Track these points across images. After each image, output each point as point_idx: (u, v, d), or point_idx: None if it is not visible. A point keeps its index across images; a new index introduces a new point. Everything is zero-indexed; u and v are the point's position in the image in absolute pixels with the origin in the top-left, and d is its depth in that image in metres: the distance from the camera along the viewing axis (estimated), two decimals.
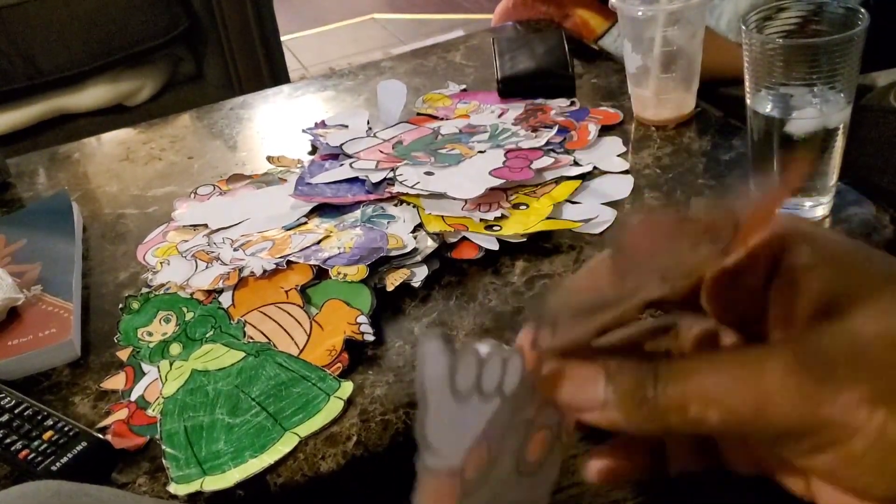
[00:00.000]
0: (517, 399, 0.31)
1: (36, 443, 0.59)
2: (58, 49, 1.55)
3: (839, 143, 0.68)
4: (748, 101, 0.69)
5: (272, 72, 1.73)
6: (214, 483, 0.56)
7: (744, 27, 0.66)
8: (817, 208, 0.71)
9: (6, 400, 0.63)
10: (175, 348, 0.67)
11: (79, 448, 0.58)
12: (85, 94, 1.60)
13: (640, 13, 0.82)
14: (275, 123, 1.03)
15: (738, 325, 0.32)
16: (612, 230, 0.23)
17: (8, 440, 0.59)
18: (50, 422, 0.60)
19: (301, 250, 0.74)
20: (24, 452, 0.58)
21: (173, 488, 0.56)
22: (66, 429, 0.59)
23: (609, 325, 0.32)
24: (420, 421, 0.29)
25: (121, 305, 0.73)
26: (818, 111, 0.66)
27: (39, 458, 0.57)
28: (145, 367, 0.67)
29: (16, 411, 0.62)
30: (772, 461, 0.31)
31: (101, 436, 0.59)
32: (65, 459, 0.57)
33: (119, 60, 1.60)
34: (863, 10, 0.65)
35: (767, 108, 0.68)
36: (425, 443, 0.29)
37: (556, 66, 0.97)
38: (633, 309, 0.30)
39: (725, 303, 0.31)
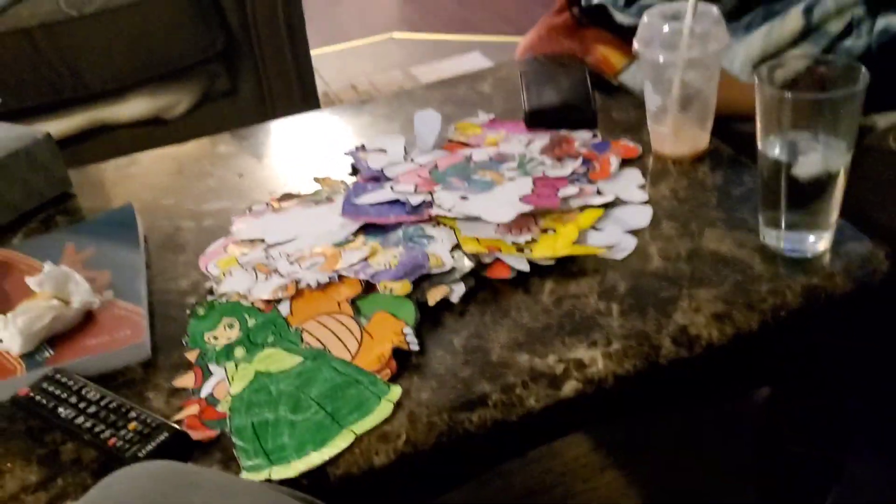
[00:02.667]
0: None
1: (122, 432, 0.66)
2: (103, 63, 1.63)
3: (840, 183, 0.76)
4: (758, 144, 0.77)
5: (303, 90, 1.81)
6: (281, 472, 0.64)
7: (756, 78, 0.74)
8: (819, 243, 0.79)
9: (92, 393, 0.70)
10: (239, 351, 0.75)
11: (161, 438, 0.65)
12: (126, 107, 1.69)
13: (661, 59, 0.89)
14: (316, 145, 1.11)
15: None
16: None
17: (97, 429, 0.67)
18: (133, 414, 0.68)
19: (351, 266, 0.81)
20: (112, 440, 0.66)
21: (245, 476, 0.64)
22: (148, 420, 0.67)
23: None
24: None
25: (188, 311, 0.81)
26: (822, 156, 0.74)
27: (127, 446, 0.65)
28: (212, 367, 0.74)
29: (101, 404, 0.69)
30: None
31: (179, 427, 0.67)
32: (149, 447, 0.65)
33: (159, 76, 1.69)
34: (864, 67, 0.73)
35: (776, 151, 0.75)
36: None
37: (580, 100, 1.05)
38: None
39: None
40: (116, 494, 0.49)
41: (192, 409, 0.70)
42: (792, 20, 1.01)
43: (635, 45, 0.92)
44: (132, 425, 0.67)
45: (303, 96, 1.81)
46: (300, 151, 1.11)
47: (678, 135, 0.94)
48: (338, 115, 1.20)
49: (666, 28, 0.89)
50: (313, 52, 1.85)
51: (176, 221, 0.97)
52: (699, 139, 0.95)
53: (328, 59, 2.65)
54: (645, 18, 0.91)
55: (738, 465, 1.13)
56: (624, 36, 1.17)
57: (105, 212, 0.99)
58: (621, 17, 1.17)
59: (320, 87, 2.03)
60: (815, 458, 0.94)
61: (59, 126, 1.62)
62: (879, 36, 0.97)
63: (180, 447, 0.66)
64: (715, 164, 0.94)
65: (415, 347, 0.73)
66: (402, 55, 2.68)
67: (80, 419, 0.68)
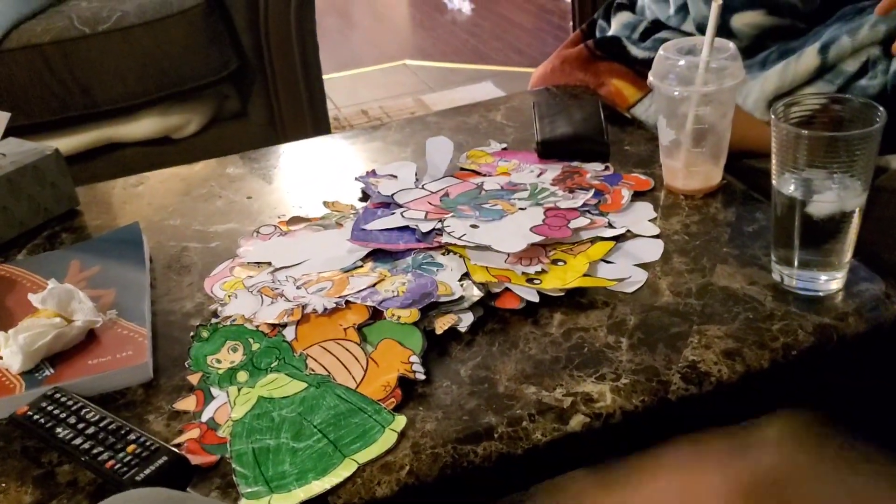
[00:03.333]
0: None
1: (121, 454, 0.65)
2: (114, 82, 1.64)
3: (855, 223, 0.75)
4: (773, 182, 0.76)
5: (313, 114, 1.81)
6: (281, 501, 0.62)
7: (772, 115, 0.74)
8: (832, 282, 0.78)
9: (91, 414, 0.69)
10: (242, 376, 0.74)
11: (160, 462, 0.64)
12: (135, 126, 1.69)
13: (676, 93, 0.89)
14: (327, 170, 1.11)
15: None
16: None
17: (95, 451, 0.66)
18: (133, 436, 0.67)
19: (358, 292, 0.80)
20: (110, 462, 0.64)
21: (244, 503, 0.63)
22: (147, 443, 0.66)
23: None
24: None
25: (192, 333, 0.80)
26: (837, 195, 0.73)
27: (124, 469, 0.64)
28: (214, 391, 0.73)
29: (100, 425, 0.68)
30: None
31: (179, 451, 0.66)
32: (148, 471, 0.63)
33: (170, 95, 1.69)
34: (881, 108, 0.72)
35: (790, 188, 0.75)
36: None
37: (592, 132, 1.05)
38: None
39: None
40: None
41: (193, 433, 0.69)
42: (808, 58, 1.00)
43: (650, 78, 0.91)
44: (131, 448, 0.65)
45: (313, 120, 1.81)
46: (310, 175, 1.10)
47: (691, 169, 0.93)
48: (349, 139, 1.20)
49: (682, 62, 0.89)
50: (325, 77, 1.86)
51: (182, 242, 0.96)
52: (712, 174, 0.94)
53: (340, 83, 2.66)
54: (661, 52, 0.90)
55: None
56: (637, 69, 1.17)
57: (111, 230, 0.98)
58: (636, 51, 1.17)
59: (330, 111, 2.04)
60: None
61: (68, 143, 1.63)
62: (895, 76, 0.97)
63: (179, 472, 0.64)
64: (727, 200, 0.93)
65: (421, 376, 0.72)
66: (414, 82, 2.70)
67: (79, 440, 0.67)
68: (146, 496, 0.51)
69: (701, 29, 1.09)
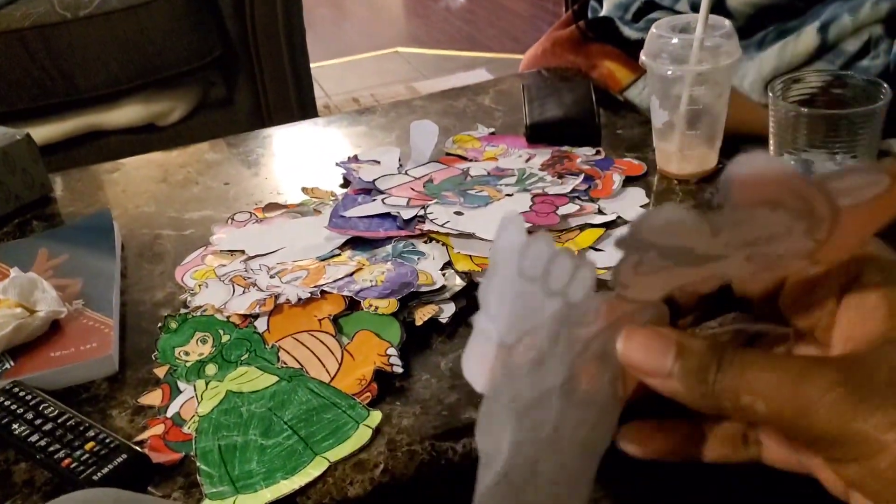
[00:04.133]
0: (579, 309, 0.32)
1: (78, 452, 0.61)
2: (96, 68, 1.59)
3: None
4: None
5: (300, 101, 1.77)
6: (247, 501, 0.59)
7: (770, 94, 0.70)
8: None
9: (49, 409, 0.65)
10: (211, 369, 0.70)
11: (119, 460, 0.60)
12: (119, 113, 1.65)
13: (669, 72, 0.85)
14: (308, 155, 1.07)
15: (811, 331, 0.35)
16: (727, 172, 0.24)
17: (51, 448, 0.62)
18: (91, 433, 0.63)
19: (334, 281, 0.77)
20: (66, 461, 0.61)
21: None
22: (107, 440, 0.62)
23: (686, 288, 0.35)
24: (484, 284, 0.32)
25: (160, 324, 0.76)
26: None
27: (81, 468, 0.60)
28: (181, 385, 0.69)
29: (59, 421, 0.64)
30: (812, 461, 0.34)
31: (140, 449, 0.62)
32: (105, 470, 0.60)
33: (154, 82, 1.65)
34: (885, 84, 0.68)
35: None
36: (484, 303, 0.32)
37: (583, 115, 1.01)
38: (712, 280, 0.33)
39: (802, 308, 0.35)
40: None
41: (157, 429, 0.65)
42: (807, 38, 0.96)
43: (642, 57, 0.88)
44: (89, 445, 0.62)
45: (301, 107, 1.77)
46: (291, 161, 1.07)
47: (685, 153, 0.89)
48: (333, 124, 1.16)
49: (675, 40, 0.85)
50: (316, 65, 1.82)
51: (156, 230, 0.93)
52: (707, 158, 0.90)
53: (330, 71, 2.62)
54: (653, 30, 0.86)
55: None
56: (630, 51, 1.13)
57: (81, 217, 0.95)
58: (629, 32, 1.13)
59: (321, 98, 2.00)
60: None
61: (49, 131, 1.58)
62: None
63: (139, 471, 0.61)
64: None
65: (398, 370, 0.68)
66: (406, 70, 2.65)
67: (35, 437, 0.63)
68: (92, 498, 0.47)
69: (696, 9, 1.04)
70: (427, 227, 0.84)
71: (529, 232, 0.32)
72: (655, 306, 0.35)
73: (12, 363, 0.72)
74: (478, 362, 0.33)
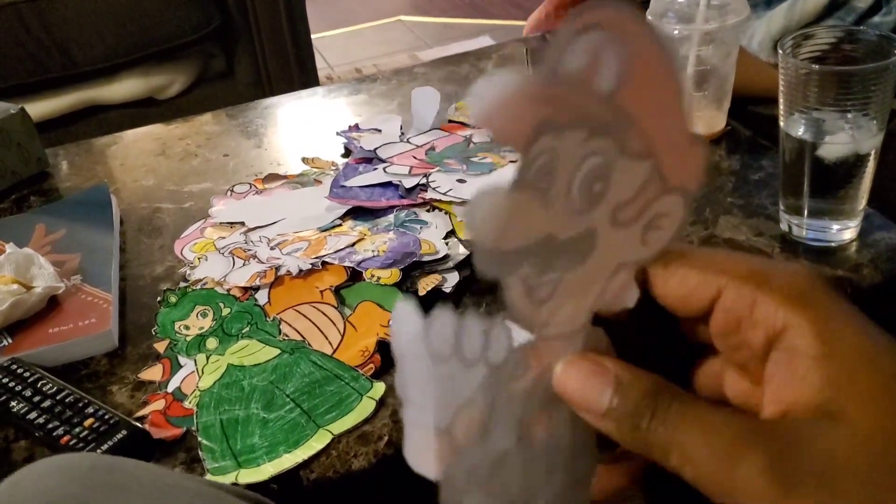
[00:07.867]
0: (506, 368, 0.31)
1: (77, 429, 0.60)
2: (93, 41, 1.57)
3: (870, 168, 0.69)
4: (781, 123, 0.70)
5: (302, 72, 1.74)
6: (249, 476, 0.58)
7: (780, 50, 0.68)
8: (845, 232, 0.72)
9: (48, 386, 0.64)
10: (212, 342, 0.69)
11: (119, 436, 0.59)
12: (117, 87, 1.63)
13: (675, 32, 0.83)
14: (308, 125, 1.05)
15: (743, 366, 0.33)
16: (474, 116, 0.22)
17: (50, 425, 0.61)
18: (91, 409, 0.62)
19: (336, 252, 0.75)
20: (65, 438, 0.60)
21: (210, 479, 0.58)
22: (106, 417, 0.61)
23: (606, 301, 0.32)
24: (398, 379, 0.30)
25: (159, 298, 0.75)
26: (850, 137, 0.67)
27: (81, 445, 0.59)
28: (182, 359, 0.68)
29: (57, 397, 0.63)
30: None
31: (140, 425, 0.61)
32: (105, 447, 0.59)
33: (152, 55, 1.63)
34: None
35: (800, 131, 0.69)
36: (405, 397, 0.30)
37: None
38: (619, 277, 0.31)
39: (730, 345, 0.32)
40: (22, 495, 0.43)
41: (158, 405, 0.64)
42: None
43: (647, 17, 0.85)
44: (88, 422, 0.61)
45: (302, 78, 1.74)
46: (291, 131, 1.05)
47: (692, 115, 0.87)
48: (333, 93, 1.14)
49: None
50: (318, 35, 1.79)
51: (155, 203, 0.91)
52: (715, 120, 0.88)
53: (333, 41, 2.58)
54: None
55: None
56: None
57: (78, 192, 0.93)
58: None
59: (323, 69, 1.97)
60: None
61: (47, 106, 1.57)
62: None
63: (139, 446, 0.60)
64: (732, 147, 0.87)
65: None
66: (410, 39, 2.62)
67: (34, 414, 0.62)
68: (68, 462, 0.46)
69: None
70: (429, 195, 0.82)
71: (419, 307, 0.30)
72: (585, 332, 0.32)
73: (10, 340, 0.71)
74: (421, 453, 0.31)
